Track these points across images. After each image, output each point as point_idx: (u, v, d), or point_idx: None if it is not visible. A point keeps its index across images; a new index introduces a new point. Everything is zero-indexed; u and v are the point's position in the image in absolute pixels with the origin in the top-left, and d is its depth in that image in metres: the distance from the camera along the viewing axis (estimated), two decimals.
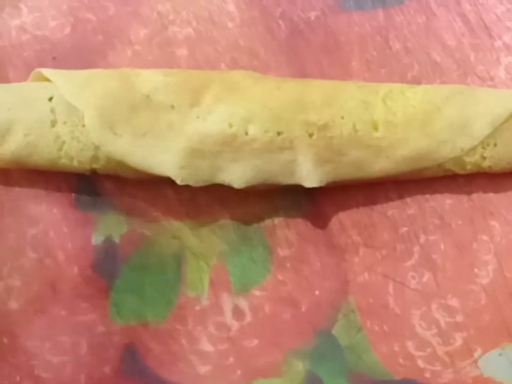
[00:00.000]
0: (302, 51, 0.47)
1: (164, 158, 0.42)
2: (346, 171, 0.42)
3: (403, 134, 0.42)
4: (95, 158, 0.43)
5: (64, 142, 0.43)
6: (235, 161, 0.42)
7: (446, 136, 0.42)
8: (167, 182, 0.42)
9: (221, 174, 0.42)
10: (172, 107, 0.42)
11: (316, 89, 0.43)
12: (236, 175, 0.42)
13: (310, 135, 0.42)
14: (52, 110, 0.43)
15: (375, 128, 0.42)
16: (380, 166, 0.42)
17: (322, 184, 0.42)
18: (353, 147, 0.42)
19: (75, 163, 0.43)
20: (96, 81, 0.43)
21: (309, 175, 0.42)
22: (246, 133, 0.42)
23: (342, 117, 0.42)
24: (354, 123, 0.42)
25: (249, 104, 0.42)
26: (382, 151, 0.42)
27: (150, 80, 0.43)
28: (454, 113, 0.42)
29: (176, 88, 0.43)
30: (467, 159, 0.42)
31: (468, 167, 0.43)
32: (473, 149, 0.42)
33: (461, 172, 0.43)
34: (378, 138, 0.42)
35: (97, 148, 0.42)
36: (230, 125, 0.42)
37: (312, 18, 0.47)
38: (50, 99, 0.43)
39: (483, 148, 0.42)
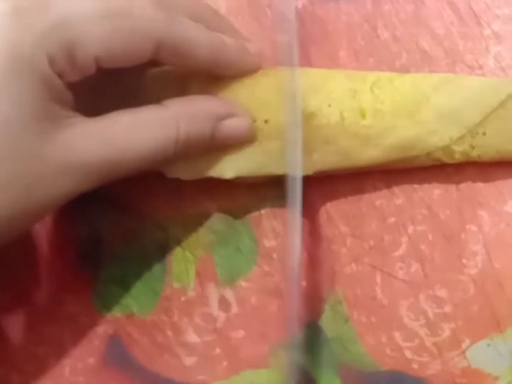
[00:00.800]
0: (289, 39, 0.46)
1: None
2: (334, 160, 0.42)
3: (391, 123, 0.41)
4: None
5: None
6: (225, 153, 0.42)
7: (435, 125, 0.41)
8: (153, 172, 0.42)
9: (212, 167, 0.42)
10: (159, 99, 0.41)
11: (303, 77, 0.42)
12: (226, 166, 0.42)
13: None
14: None
15: (363, 116, 0.41)
16: (368, 155, 0.42)
17: (310, 173, 0.42)
18: (341, 135, 0.41)
19: None
20: None
21: None
22: None
23: (329, 105, 0.41)
24: (341, 111, 0.41)
25: (236, 93, 0.42)
26: (370, 139, 0.41)
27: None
28: (443, 101, 0.41)
29: (162, 79, 0.42)
30: (456, 148, 0.42)
31: (457, 156, 0.42)
32: (461, 137, 0.41)
33: (450, 161, 0.42)
34: (366, 126, 0.41)
35: None
36: None
37: (299, 6, 0.47)
38: None
39: (472, 137, 0.42)
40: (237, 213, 0.45)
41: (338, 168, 0.42)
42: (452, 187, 0.44)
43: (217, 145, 0.41)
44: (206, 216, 0.45)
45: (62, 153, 0.36)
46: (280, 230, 0.44)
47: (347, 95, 0.42)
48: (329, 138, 0.42)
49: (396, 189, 0.44)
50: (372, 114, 0.41)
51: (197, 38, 0.39)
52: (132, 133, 0.38)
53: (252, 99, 0.42)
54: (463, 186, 0.44)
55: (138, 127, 0.38)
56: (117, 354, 0.44)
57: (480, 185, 0.43)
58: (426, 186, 0.44)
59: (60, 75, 0.36)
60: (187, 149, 0.40)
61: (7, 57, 0.34)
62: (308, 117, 0.41)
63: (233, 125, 0.41)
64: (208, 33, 0.40)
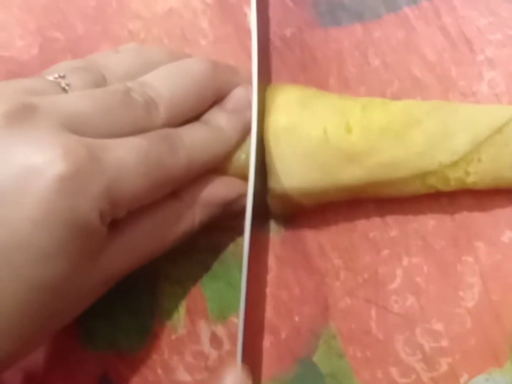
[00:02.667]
0: (278, 68, 0.45)
1: None
2: (314, 177, 0.41)
3: (378, 141, 0.40)
4: None
5: None
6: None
7: (423, 148, 0.40)
8: None
9: None
10: None
11: (287, 93, 0.42)
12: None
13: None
14: None
15: (349, 131, 0.40)
16: (351, 173, 0.41)
17: (289, 190, 0.41)
18: (323, 151, 0.40)
19: None
20: None
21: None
22: None
23: (313, 119, 0.41)
24: (325, 126, 0.40)
25: None
26: (354, 156, 0.40)
27: None
28: (434, 126, 0.41)
29: None
30: (451, 174, 0.41)
31: (452, 183, 0.41)
32: (455, 164, 0.40)
33: (445, 188, 0.41)
34: (351, 143, 0.40)
35: None
36: None
37: (288, 34, 0.46)
38: None
39: (467, 163, 0.41)
40: (228, 246, 0.44)
41: (319, 186, 0.41)
42: (446, 218, 0.43)
43: None
44: (195, 249, 0.44)
45: (103, 272, 0.37)
46: (271, 264, 0.43)
47: (335, 111, 0.41)
48: (310, 153, 0.41)
49: (390, 220, 0.43)
50: (359, 130, 0.40)
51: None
52: (153, 235, 0.39)
53: None
54: (457, 216, 0.43)
55: (157, 229, 0.39)
56: None
57: (475, 214, 0.43)
58: (420, 217, 0.43)
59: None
60: None
61: (66, 223, 0.33)
62: (289, 131, 0.40)
63: (241, 206, 0.41)
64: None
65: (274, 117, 0.41)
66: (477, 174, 0.41)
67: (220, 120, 0.41)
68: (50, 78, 0.38)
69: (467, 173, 0.41)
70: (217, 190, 0.41)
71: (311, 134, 0.41)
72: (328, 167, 0.41)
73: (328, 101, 0.42)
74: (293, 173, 0.41)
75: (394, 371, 0.42)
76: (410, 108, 0.41)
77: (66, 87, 0.38)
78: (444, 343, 0.42)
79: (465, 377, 0.41)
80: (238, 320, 0.38)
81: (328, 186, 0.41)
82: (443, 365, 0.41)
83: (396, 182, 0.41)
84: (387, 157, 0.40)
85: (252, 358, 0.40)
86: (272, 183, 0.41)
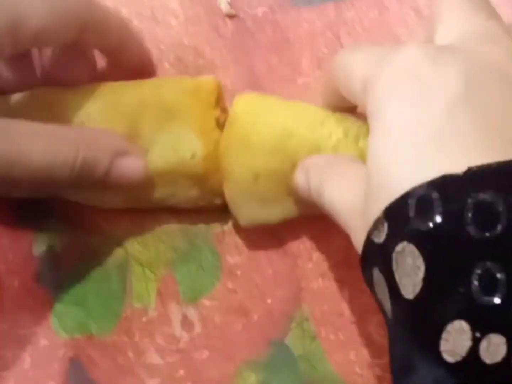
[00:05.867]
0: (250, 49, 0.45)
1: None
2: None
3: None
4: None
5: None
6: (191, 187, 0.41)
7: None
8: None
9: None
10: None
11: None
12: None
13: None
14: None
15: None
16: None
17: None
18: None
19: None
20: None
21: None
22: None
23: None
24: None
25: (191, 137, 0.41)
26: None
27: (80, 107, 0.41)
28: None
29: (110, 116, 0.41)
30: None
31: None
32: None
33: None
34: None
35: None
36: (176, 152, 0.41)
37: (260, 14, 0.45)
38: None
39: None
40: (199, 229, 0.43)
41: None
42: None
43: (110, 182, 0.40)
44: (166, 232, 0.43)
45: None
46: (243, 246, 0.43)
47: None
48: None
49: None
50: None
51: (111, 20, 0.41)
52: (34, 139, 0.37)
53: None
54: None
55: (41, 136, 0.38)
56: (78, 378, 0.43)
57: None
58: None
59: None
60: (81, 178, 0.38)
61: None
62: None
63: (129, 164, 0.40)
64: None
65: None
66: None
67: None
68: None
69: None
70: (105, 136, 0.40)
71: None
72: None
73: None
74: None
75: (367, 353, 0.42)
76: None
77: None
78: None
79: None
80: None
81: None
82: None
83: None
84: None
85: None
86: None
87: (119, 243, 0.43)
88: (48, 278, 0.44)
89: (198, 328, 0.43)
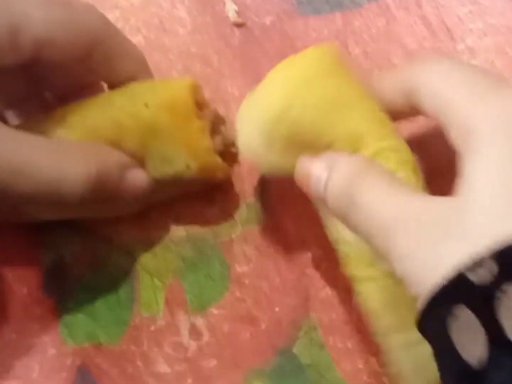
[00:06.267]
0: (257, 57, 0.45)
1: None
2: None
3: None
4: None
5: None
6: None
7: None
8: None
9: None
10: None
11: None
12: None
13: None
14: None
15: None
16: None
17: None
18: None
19: None
20: None
21: None
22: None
23: None
24: None
25: (179, 151, 0.40)
26: None
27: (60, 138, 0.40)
28: None
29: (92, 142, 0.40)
30: None
31: None
32: None
33: None
34: None
35: None
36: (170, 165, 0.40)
37: (267, 23, 0.45)
38: None
39: None
40: (207, 238, 0.44)
41: None
42: None
43: (121, 195, 0.40)
44: (174, 241, 0.43)
45: None
46: (251, 255, 0.43)
47: None
48: None
49: None
50: None
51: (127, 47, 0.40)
52: (43, 151, 0.37)
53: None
54: None
55: (50, 150, 0.37)
56: None
57: None
58: None
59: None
60: (95, 192, 0.38)
61: None
62: None
63: (136, 176, 0.40)
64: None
65: None
66: None
67: None
68: None
69: None
70: (113, 152, 0.40)
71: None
72: None
73: None
74: None
75: (375, 361, 0.42)
76: None
77: None
78: None
79: None
80: None
81: None
82: None
83: None
84: None
85: None
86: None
87: (127, 252, 0.44)
88: (57, 287, 0.44)
89: (206, 337, 0.43)
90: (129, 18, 0.46)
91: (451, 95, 0.32)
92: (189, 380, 0.42)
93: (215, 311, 0.43)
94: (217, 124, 0.41)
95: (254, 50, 0.45)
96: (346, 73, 0.37)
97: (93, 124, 0.40)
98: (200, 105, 0.40)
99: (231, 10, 0.45)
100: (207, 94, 0.42)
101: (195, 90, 0.40)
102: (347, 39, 0.44)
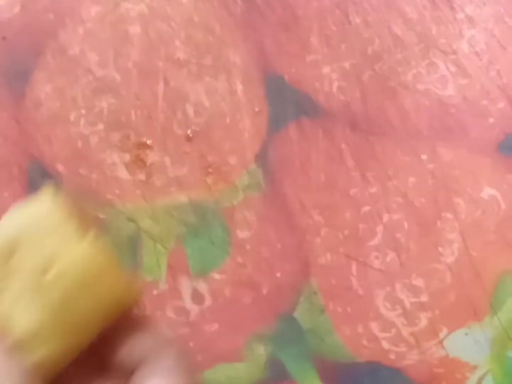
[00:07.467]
0: (259, 26, 0.45)
1: None
2: None
3: None
4: None
5: None
6: None
7: None
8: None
9: None
10: None
11: None
12: None
13: None
14: None
15: None
16: None
17: None
18: None
19: None
20: None
21: None
22: None
23: None
24: None
25: None
26: None
27: None
28: None
29: None
30: None
31: None
32: None
33: None
34: None
35: None
36: None
37: None
38: None
39: None
40: (209, 204, 0.44)
41: None
42: (427, 175, 0.43)
43: None
44: (177, 207, 0.44)
45: None
46: (252, 221, 0.44)
47: None
48: None
49: (370, 177, 0.43)
50: None
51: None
52: None
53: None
54: (437, 173, 0.43)
55: None
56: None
57: (455, 171, 0.43)
58: (400, 174, 0.43)
59: None
60: None
61: None
62: None
63: None
64: None
65: None
66: None
67: None
68: None
69: None
70: None
71: None
72: None
73: None
74: None
75: (374, 326, 0.42)
76: None
77: None
78: (424, 298, 0.42)
79: (444, 331, 0.42)
80: None
81: None
82: (423, 320, 0.42)
83: None
84: None
85: None
86: None
87: (130, 217, 0.44)
88: None
89: (208, 301, 0.43)
90: None
91: None
92: (191, 344, 0.43)
93: (216, 275, 0.43)
94: None
95: (256, 19, 0.45)
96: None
97: None
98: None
99: None
100: (209, 61, 0.42)
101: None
102: (348, 8, 0.45)
